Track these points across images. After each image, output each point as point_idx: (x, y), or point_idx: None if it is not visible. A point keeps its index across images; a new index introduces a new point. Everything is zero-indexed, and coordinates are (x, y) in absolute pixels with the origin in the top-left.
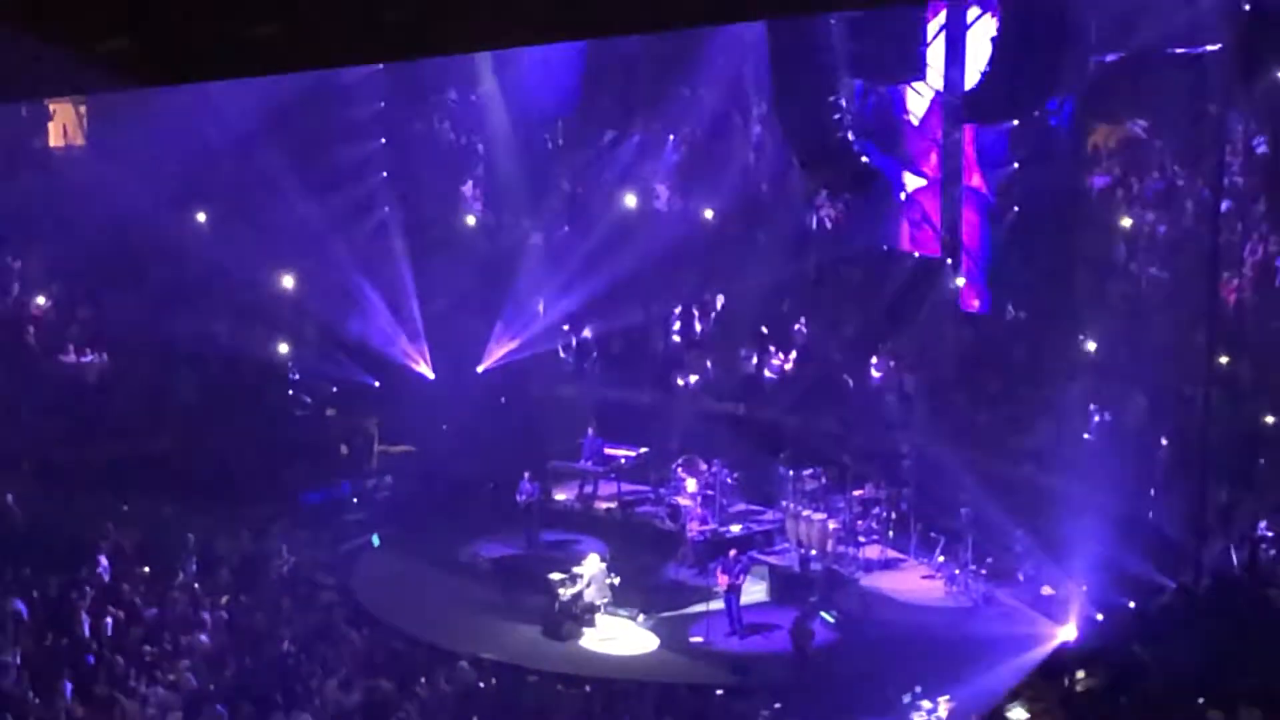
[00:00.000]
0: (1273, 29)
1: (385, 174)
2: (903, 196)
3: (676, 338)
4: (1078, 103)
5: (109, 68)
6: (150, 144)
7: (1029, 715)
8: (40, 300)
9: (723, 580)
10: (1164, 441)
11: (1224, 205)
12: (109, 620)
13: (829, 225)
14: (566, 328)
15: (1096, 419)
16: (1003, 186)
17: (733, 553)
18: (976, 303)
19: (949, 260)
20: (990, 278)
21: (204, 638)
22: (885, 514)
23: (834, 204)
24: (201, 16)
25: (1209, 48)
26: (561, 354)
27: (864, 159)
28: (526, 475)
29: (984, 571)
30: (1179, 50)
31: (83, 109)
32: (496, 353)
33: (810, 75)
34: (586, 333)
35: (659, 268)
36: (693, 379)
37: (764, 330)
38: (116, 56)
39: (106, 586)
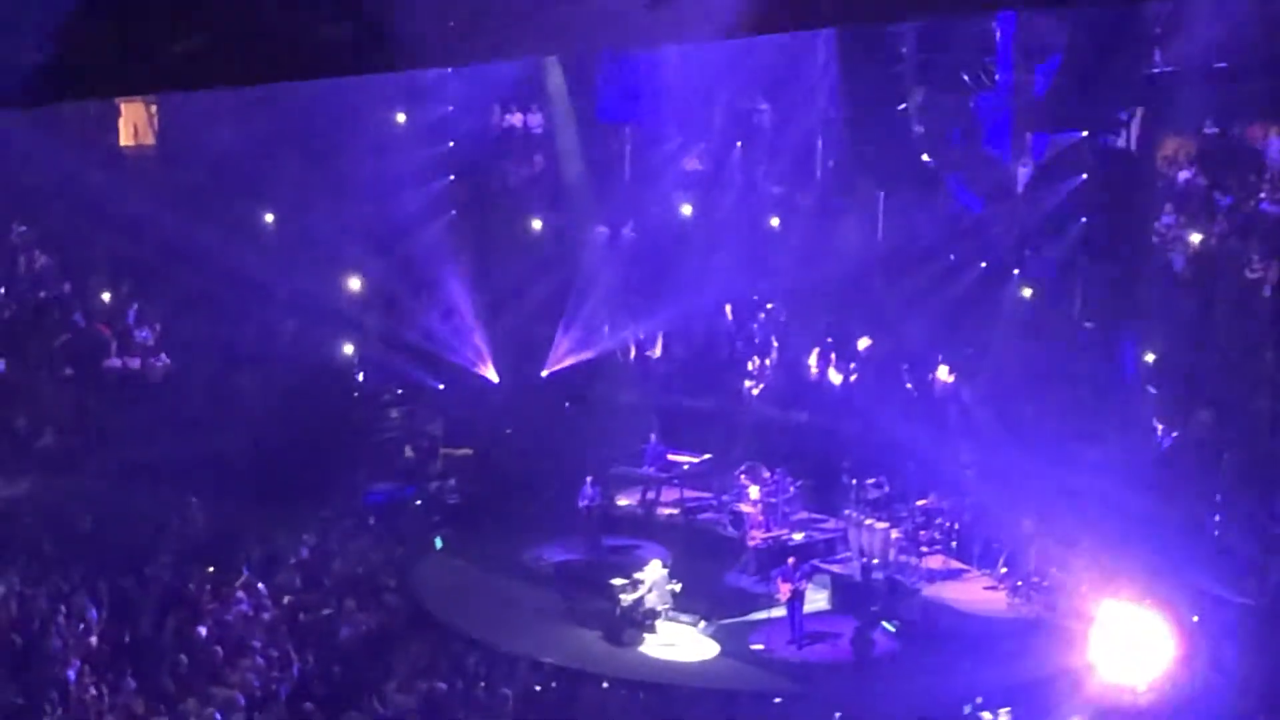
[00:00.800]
0: None
1: (453, 177)
2: None
3: (741, 344)
4: (1147, 114)
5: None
6: (219, 144)
7: None
8: (106, 298)
9: (784, 589)
10: (1229, 454)
11: None
12: (173, 619)
13: (894, 233)
14: (630, 333)
15: (1162, 431)
16: (1071, 197)
17: (792, 560)
18: None
19: (1016, 270)
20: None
21: (267, 638)
22: (948, 524)
23: (900, 211)
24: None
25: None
26: (626, 359)
27: (930, 164)
28: (589, 480)
29: (1047, 583)
30: (1250, 60)
31: (153, 108)
32: (560, 357)
33: (880, 84)
34: (651, 338)
35: (724, 274)
36: (757, 386)
37: (828, 339)
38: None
39: (170, 585)
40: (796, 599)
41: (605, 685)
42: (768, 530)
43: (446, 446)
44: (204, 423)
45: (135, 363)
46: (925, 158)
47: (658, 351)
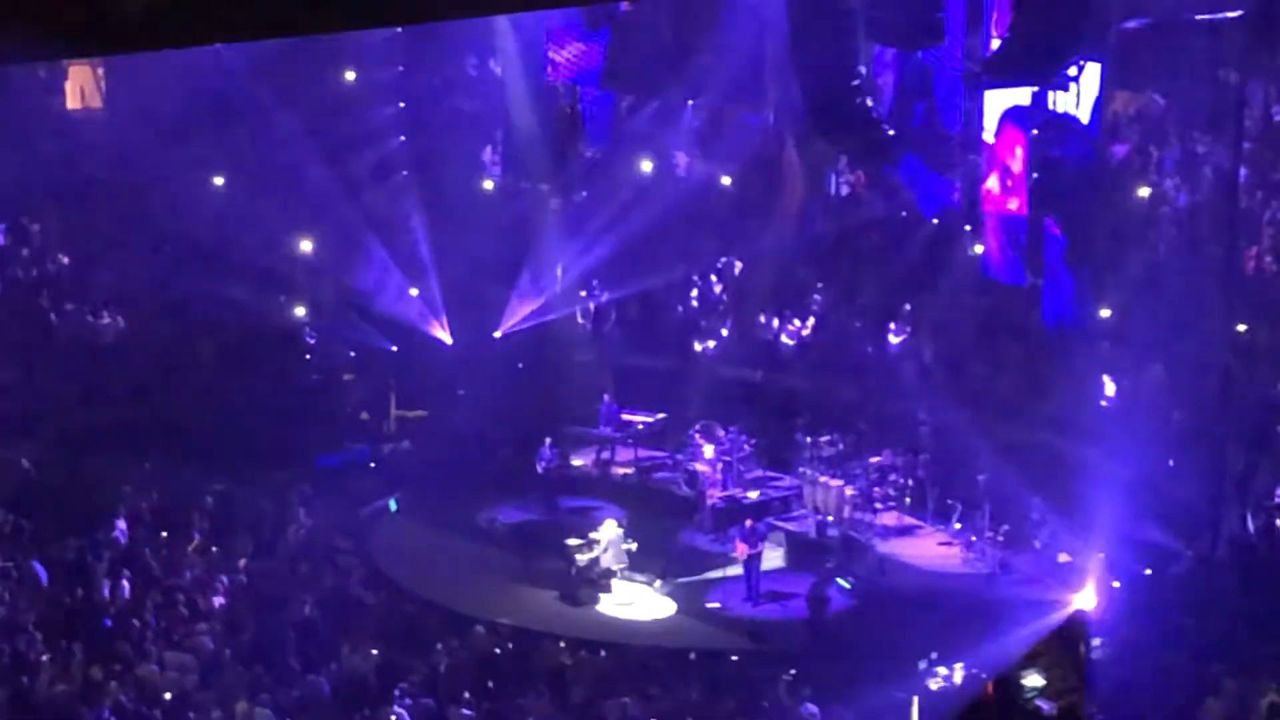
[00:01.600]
0: None
1: (403, 138)
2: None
3: (694, 304)
4: (1101, 68)
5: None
6: (168, 107)
7: (1044, 682)
8: (63, 259)
9: (742, 550)
10: (1181, 409)
11: (1242, 173)
12: (126, 583)
13: (847, 191)
14: (584, 293)
15: (1114, 387)
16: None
17: (749, 522)
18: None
19: (967, 226)
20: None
21: (221, 601)
22: (902, 480)
23: (854, 171)
24: None
25: (1229, 14)
26: (579, 319)
27: (885, 127)
28: (548, 441)
29: (1001, 538)
30: (1200, 17)
31: (100, 71)
32: (514, 318)
33: (830, 42)
34: (604, 298)
35: (677, 234)
36: (710, 345)
37: (782, 297)
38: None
39: (124, 550)
40: (754, 560)
41: (562, 645)
42: (723, 489)
43: (400, 409)
44: (155, 387)
45: (86, 328)
46: (876, 115)
47: (612, 311)
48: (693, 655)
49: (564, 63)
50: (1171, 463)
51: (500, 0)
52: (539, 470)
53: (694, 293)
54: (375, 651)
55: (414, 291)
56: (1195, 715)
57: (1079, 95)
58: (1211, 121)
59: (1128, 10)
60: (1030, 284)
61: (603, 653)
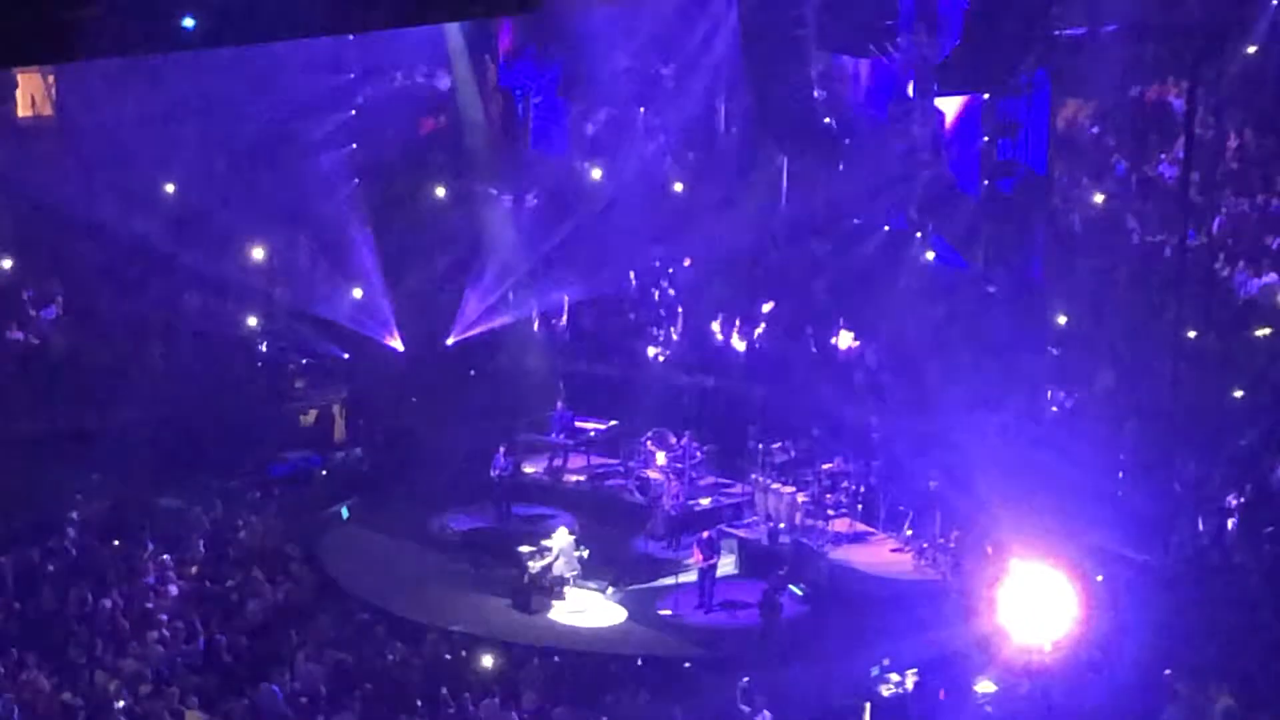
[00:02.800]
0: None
1: (355, 145)
2: None
3: (645, 310)
4: (1048, 77)
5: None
6: (118, 115)
7: (995, 688)
8: (6, 264)
9: (699, 557)
10: (1133, 416)
11: (1193, 179)
12: (77, 592)
13: (798, 197)
14: (535, 300)
15: (1064, 393)
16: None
17: (706, 534)
18: None
19: (919, 234)
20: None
21: (172, 610)
22: (854, 487)
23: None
24: None
25: (1176, 21)
26: (531, 326)
27: (833, 130)
28: (502, 449)
29: (952, 544)
30: (1148, 25)
31: (51, 79)
32: (465, 325)
33: (781, 48)
34: (556, 305)
35: (627, 240)
36: (662, 352)
37: (733, 304)
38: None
39: (75, 558)
40: (709, 570)
41: (513, 652)
42: (675, 496)
43: (351, 416)
44: (107, 395)
45: (36, 336)
46: (828, 121)
47: (563, 319)
48: (640, 661)
49: (516, 69)
50: (1123, 469)
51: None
52: (493, 477)
53: (646, 299)
54: (328, 659)
55: (357, 293)
56: None
57: (1029, 102)
58: (1162, 128)
59: (1077, 17)
60: (981, 288)
61: (553, 661)
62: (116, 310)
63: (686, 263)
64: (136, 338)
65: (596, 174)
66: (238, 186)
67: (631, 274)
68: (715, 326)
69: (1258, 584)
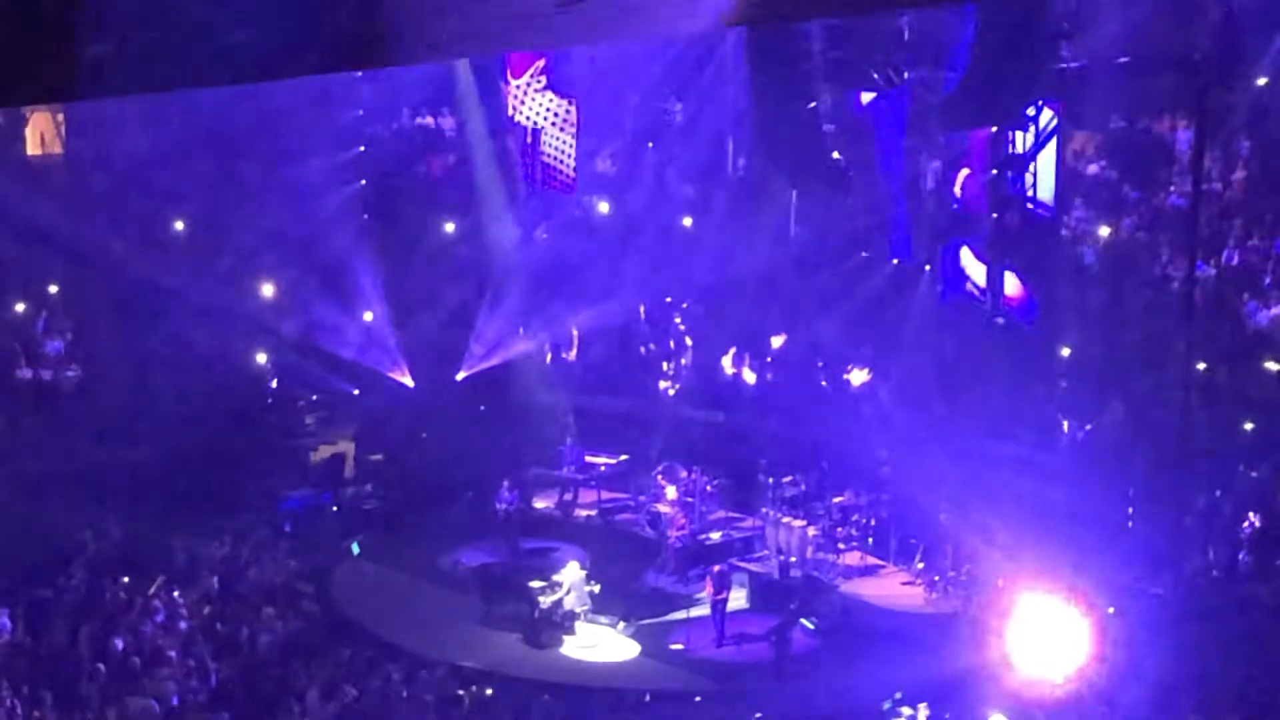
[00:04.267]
0: (1249, 34)
1: (364, 181)
2: None
3: (655, 345)
4: (1058, 108)
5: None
6: (127, 153)
7: None
8: (19, 308)
9: (709, 591)
10: (1143, 447)
11: (1203, 211)
12: (88, 629)
13: (808, 232)
14: (545, 335)
15: (1075, 425)
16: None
17: (718, 568)
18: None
19: (927, 267)
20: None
21: (183, 647)
22: (865, 520)
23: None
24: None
25: (1185, 54)
26: (542, 362)
27: (840, 162)
28: (506, 483)
29: (964, 577)
30: (1155, 57)
31: (60, 117)
32: (475, 360)
33: (788, 82)
34: (566, 339)
35: (638, 274)
36: (673, 386)
37: (743, 338)
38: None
39: (86, 596)
40: (720, 604)
41: (525, 688)
42: (685, 530)
43: (362, 452)
44: (117, 432)
45: (46, 373)
46: (836, 155)
47: (573, 353)
48: (648, 697)
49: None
50: (1133, 501)
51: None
52: (499, 512)
53: (656, 333)
54: (339, 695)
55: (368, 319)
56: None
57: (1038, 134)
58: (1171, 160)
59: (1086, 50)
60: (991, 319)
61: (564, 696)
62: (126, 346)
63: (695, 298)
64: (146, 374)
65: (605, 208)
66: (247, 222)
67: (641, 308)
68: (725, 360)
69: (1269, 616)
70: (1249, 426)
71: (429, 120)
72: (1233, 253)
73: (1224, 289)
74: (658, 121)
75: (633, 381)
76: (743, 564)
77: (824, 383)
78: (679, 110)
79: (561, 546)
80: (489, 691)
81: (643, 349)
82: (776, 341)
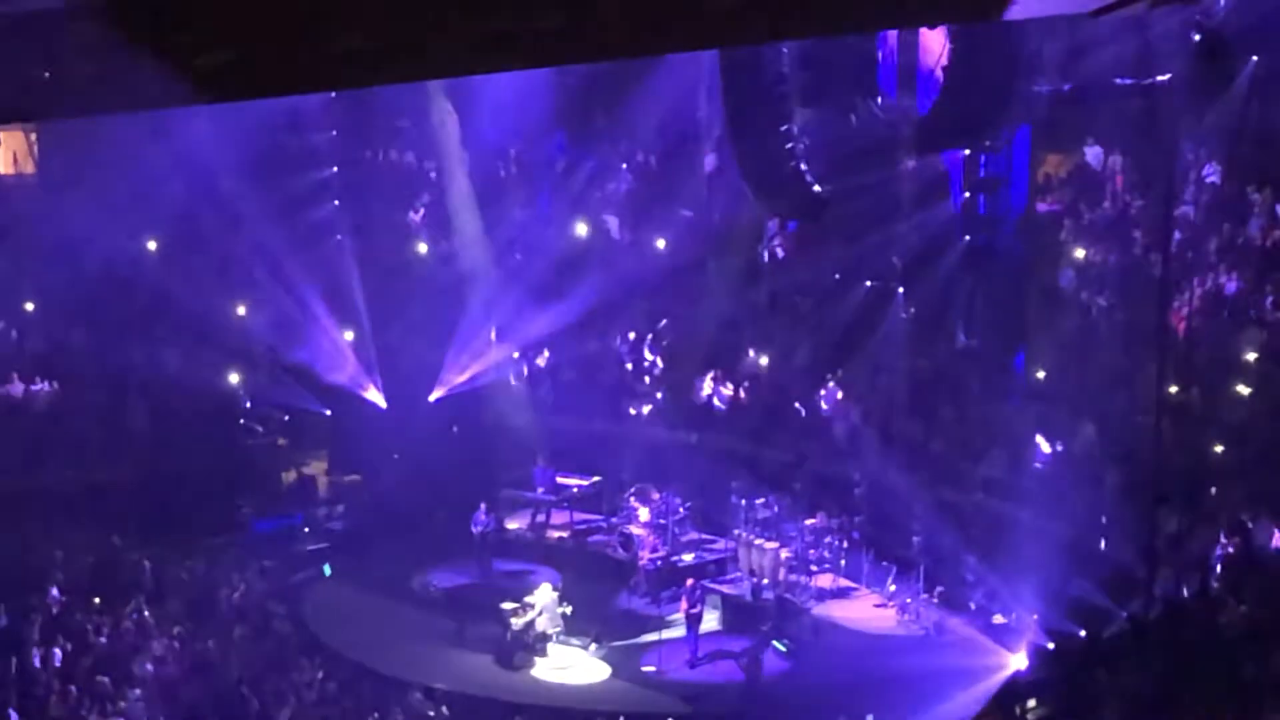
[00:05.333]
0: (1221, 59)
1: (338, 202)
2: None
3: (629, 367)
4: (1029, 131)
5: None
6: (101, 172)
7: None
8: None
9: (684, 606)
10: (1114, 469)
11: (1175, 234)
12: (59, 650)
13: (780, 254)
14: (518, 356)
15: (1047, 447)
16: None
17: (690, 581)
18: None
19: (900, 289)
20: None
21: (155, 667)
22: (837, 542)
23: (785, 233)
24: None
25: (1159, 78)
26: (513, 383)
27: (815, 188)
28: (483, 506)
29: (936, 600)
30: (1129, 80)
31: (33, 136)
32: (448, 382)
33: (763, 105)
34: (539, 362)
35: (611, 297)
36: (645, 408)
37: (715, 359)
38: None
39: (57, 616)
40: (694, 620)
41: (497, 709)
42: (658, 552)
43: (334, 473)
44: (89, 451)
45: (18, 390)
46: (809, 178)
47: (546, 375)
48: (620, 718)
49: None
50: (1105, 524)
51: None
52: (475, 534)
53: (629, 356)
54: (311, 716)
55: (347, 336)
56: None
57: (1010, 157)
58: (1143, 182)
59: (1057, 73)
60: (963, 344)
61: (537, 718)
62: (100, 366)
63: (672, 329)
64: (119, 394)
65: (580, 232)
66: (220, 241)
67: (615, 330)
68: (698, 382)
69: (1239, 639)
70: (1219, 449)
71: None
72: (1205, 276)
73: (1195, 312)
74: (632, 144)
75: (605, 403)
76: (715, 586)
77: (797, 404)
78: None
79: (534, 568)
80: (461, 712)
81: (615, 371)
82: (750, 363)
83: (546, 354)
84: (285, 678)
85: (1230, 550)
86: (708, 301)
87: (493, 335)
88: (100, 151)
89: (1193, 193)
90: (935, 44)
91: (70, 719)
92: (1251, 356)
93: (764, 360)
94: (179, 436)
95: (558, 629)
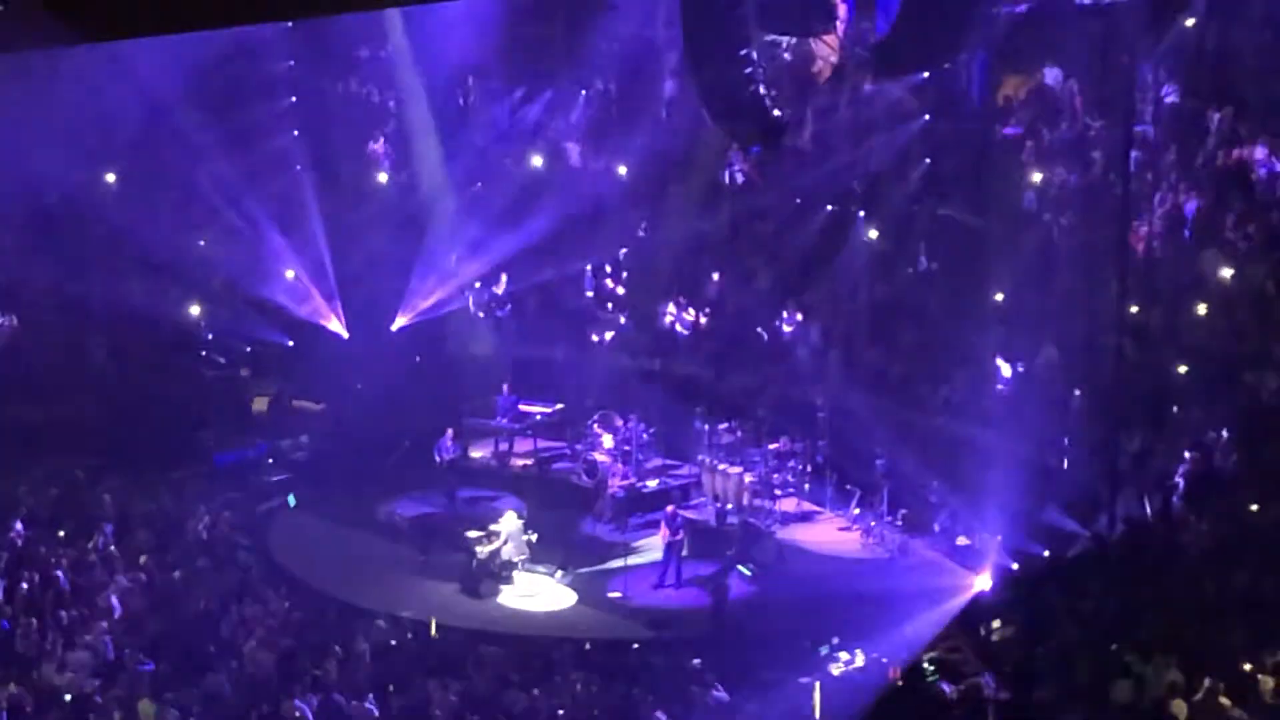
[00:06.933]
0: None
1: (296, 132)
2: None
3: (591, 294)
4: (988, 54)
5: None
6: (58, 104)
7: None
8: None
9: (664, 534)
10: (1076, 390)
11: (1134, 155)
12: (24, 584)
13: (741, 180)
14: (480, 285)
15: (1009, 369)
16: (914, 138)
17: (670, 508)
18: None
19: (861, 212)
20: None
21: (120, 599)
22: (801, 467)
23: (746, 158)
24: None
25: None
26: (476, 311)
27: (775, 112)
28: (449, 433)
29: (900, 522)
30: (1088, 2)
31: None
32: (410, 311)
33: (721, 30)
34: (500, 290)
35: (572, 224)
36: (608, 335)
37: (678, 285)
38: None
39: (21, 550)
40: (675, 546)
41: (463, 637)
42: (622, 478)
43: (297, 402)
44: (52, 385)
45: None
46: (769, 102)
47: (508, 303)
48: (587, 645)
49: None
50: (1067, 444)
51: None
52: (440, 461)
53: (590, 283)
54: (276, 646)
55: (290, 274)
56: (1101, 695)
57: (969, 78)
58: (1103, 104)
59: None
60: (924, 267)
61: (503, 645)
62: (60, 301)
63: (634, 256)
64: (80, 328)
65: (539, 160)
66: (179, 175)
67: (577, 258)
68: (660, 308)
69: (1201, 557)
70: (1182, 369)
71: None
72: (1165, 196)
73: (1156, 232)
74: (589, 70)
75: (568, 330)
76: (680, 511)
77: (759, 329)
78: (611, 58)
79: (498, 496)
80: (426, 640)
81: (577, 299)
82: (712, 288)
83: (507, 282)
84: (250, 608)
85: (1191, 468)
86: (669, 228)
87: (454, 263)
88: (56, 84)
89: (1151, 113)
90: None
91: (35, 652)
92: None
93: (726, 286)
94: (140, 369)
95: (523, 556)
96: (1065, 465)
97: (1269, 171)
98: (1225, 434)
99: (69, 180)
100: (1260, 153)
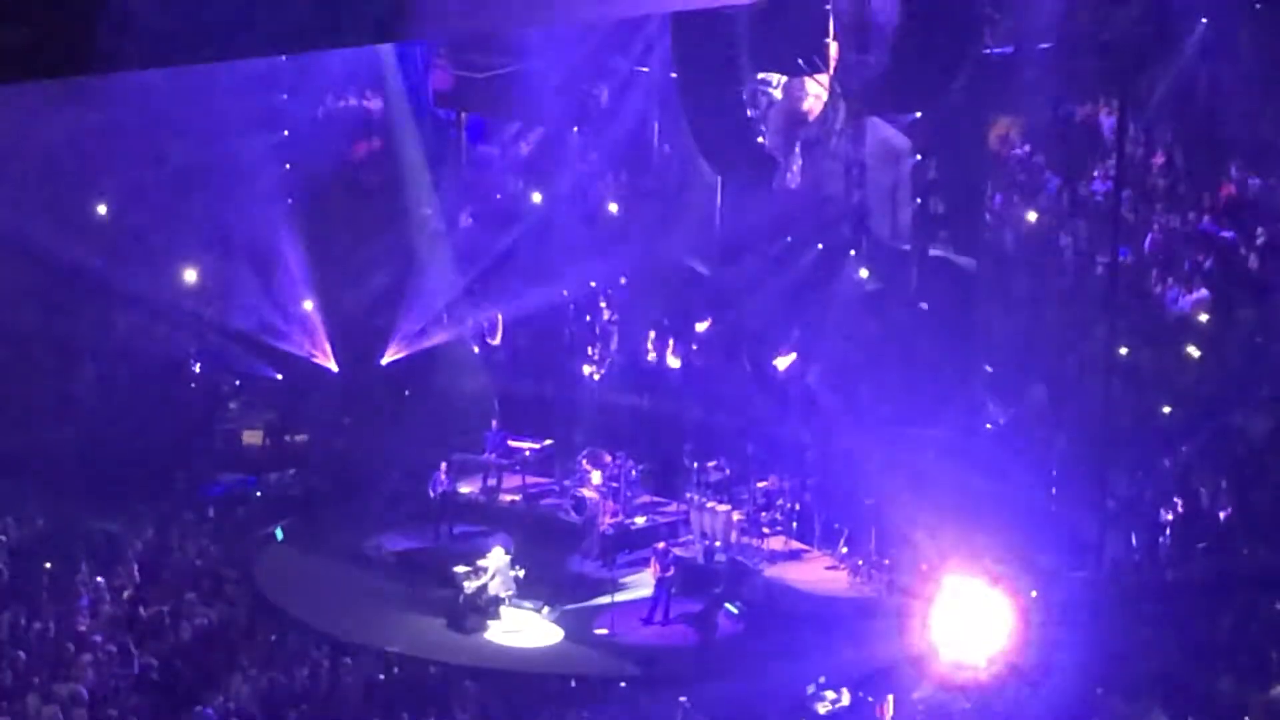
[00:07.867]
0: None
1: (289, 165)
2: None
3: (580, 329)
4: (979, 95)
5: None
6: (47, 136)
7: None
8: None
9: (655, 569)
10: (1065, 431)
11: (1124, 197)
12: (9, 615)
13: (732, 215)
14: (470, 320)
15: (998, 409)
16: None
17: (662, 544)
18: None
19: (852, 251)
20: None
21: (106, 633)
22: (789, 505)
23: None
24: None
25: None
26: (465, 346)
27: (766, 148)
28: (443, 466)
29: (887, 562)
30: (1078, 43)
31: None
32: (400, 345)
33: (715, 68)
34: (491, 325)
35: (563, 260)
36: (597, 371)
37: (667, 322)
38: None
39: (7, 582)
40: (665, 583)
41: (449, 673)
42: (611, 515)
43: (286, 437)
44: (39, 417)
45: None
46: (761, 140)
47: (498, 338)
48: (572, 682)
49: (448, 90)
50: (1056, 485)
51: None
52: (433, 495)
53: (581, 318)
54: (262, 680)
55: (307, 306)
56: None
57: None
58: (1095, 146)
59: (1011, 36)
60: (914, 306)
61: (489, 681)
62: (49, 331)
63: (622, 281)
64: (68, 359)
65: (534, 196)
66: (170, 206)
67: (566, 293)
68: (650, 345)
69: (1189, 599)
70: (1169, 410)
71: (352, 102)
72: (1155, 237)
73: (1145, 273)
74: (581, 106)
75: (557, 366)
76: (671, 548)
77: (749, 367)
78: (603, 94)
79: (486, 531)
80: (413, 675)
81: (567, 334)
82: (701, 326)
83: (499, 317)
84: (236, 641)
85: (1180, 511)
86: (659, 264)
87: (444, 298)
88: (49, 115)
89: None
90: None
91: (21, 685)
92: (1202, 318)
93: (715, 323)
94: (128, 400)
95: (510, 592)
96: (1054, 506)
97: (1254, 211)
98: (1214, 476)
99: (58, 210)
100: (1247, 190)
